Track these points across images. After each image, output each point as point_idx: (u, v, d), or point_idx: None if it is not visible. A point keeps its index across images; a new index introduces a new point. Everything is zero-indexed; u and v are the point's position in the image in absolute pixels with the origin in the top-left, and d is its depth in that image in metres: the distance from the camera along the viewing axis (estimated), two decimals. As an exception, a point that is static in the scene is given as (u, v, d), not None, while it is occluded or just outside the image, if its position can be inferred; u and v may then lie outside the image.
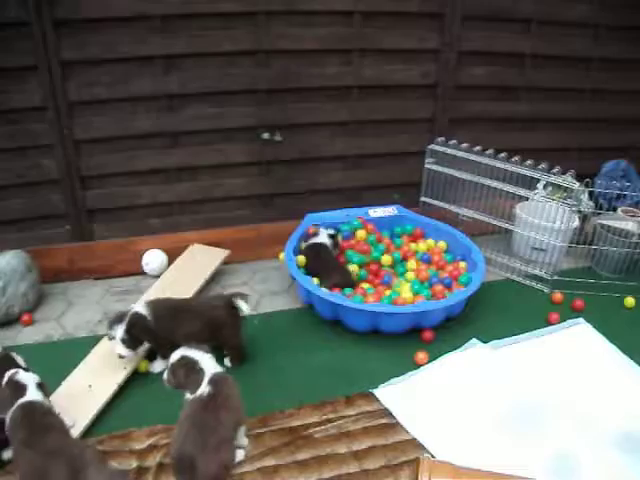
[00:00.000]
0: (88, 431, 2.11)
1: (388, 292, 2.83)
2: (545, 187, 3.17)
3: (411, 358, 2.51)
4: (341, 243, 3.14)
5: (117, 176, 3.12)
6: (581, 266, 3.33)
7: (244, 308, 2.40)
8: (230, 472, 1.92)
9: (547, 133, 3.74)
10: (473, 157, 3.18)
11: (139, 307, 2.37)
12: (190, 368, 1.95)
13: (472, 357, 2.52)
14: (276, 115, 3.20)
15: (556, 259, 3.10)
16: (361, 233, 3.22)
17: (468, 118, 3.54)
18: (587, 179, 2.95)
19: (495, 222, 3.27)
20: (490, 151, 3.15)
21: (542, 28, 3.41)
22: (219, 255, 3.16)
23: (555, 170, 2.98)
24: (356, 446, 2.06)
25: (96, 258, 3.17)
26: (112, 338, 2.34)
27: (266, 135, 3.23)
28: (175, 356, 1.98)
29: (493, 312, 2.89)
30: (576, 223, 3.24)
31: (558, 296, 2.98)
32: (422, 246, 3.23)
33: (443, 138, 3.31)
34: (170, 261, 3.14)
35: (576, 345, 2.63)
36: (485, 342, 2.62)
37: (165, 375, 1.99)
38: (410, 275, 2.98)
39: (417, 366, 2.48)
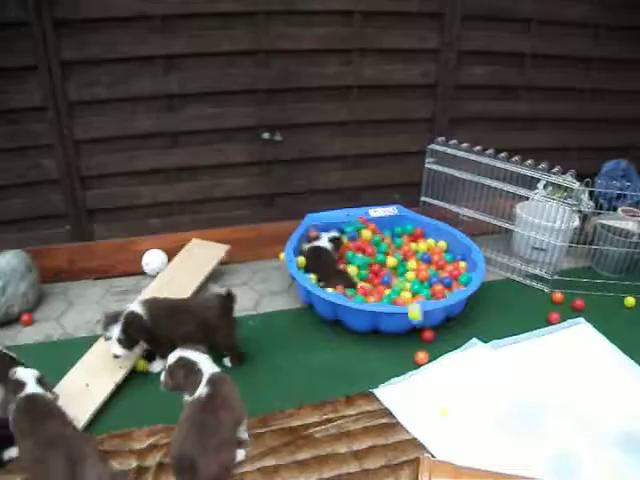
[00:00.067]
0: (87, 430, 2.10)
1: (388, 292, 2.83)
2: (545, 187, 3.17)
3: (411, 358, 2.51)
4: (347, 244, 3.14)
5: (117, 176, 3.12)
6: (581, 266, 3.33)
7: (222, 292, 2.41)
8: (231, 472, 1.92)
9: (547, 133, 3.74)
10: (473, 157, 3.18)
11: (135, 306, 2.36)
12: (189, 369, 1.95)
13: (472, 357, 2.52)
14: (276, 115, 3.20)
15: (556, 259, 3.10)
16: (366, 233, 3.22)
17: (468, 118, 3.54)
18: (587, 179, 2.95)
19: (495, 222, 3.27)
20: (490, 151, 3.15)
21: (542, 28, 3.41)
22: (218, 252, 3.15)
23: (555, 170, 2.98)
24: (356, 446, 2.06)
25: (96, 258, 3.17)
26: (108, 338, 2.33)
27: (266, 135, 3.23)
28: (172, 358, 1.98)
29: (493, 312, 2.89)
30: (576, 223, 3.23)
31: (558, 296, 2.98)
32: (422, 246, 3.23)
33: (443, 138, 3.31)
34: (170, 261, 3.14)
35: (576, 345, 2.63)
36: (485, 342, 2.62)
37: (162, 377, 1.98)
38: (410, 275, 2.98)
39: (417, 366, 2.48)
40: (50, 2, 2.65)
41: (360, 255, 3.11)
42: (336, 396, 2.29)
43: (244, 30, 2.97)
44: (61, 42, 2.74)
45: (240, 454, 1.98)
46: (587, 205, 3.41)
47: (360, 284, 2.88)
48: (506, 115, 3.63)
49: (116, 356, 2.32)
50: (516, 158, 3.09)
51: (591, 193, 3.37)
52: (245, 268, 3.30)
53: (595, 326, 2.74)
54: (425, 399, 2.28)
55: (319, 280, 2.85)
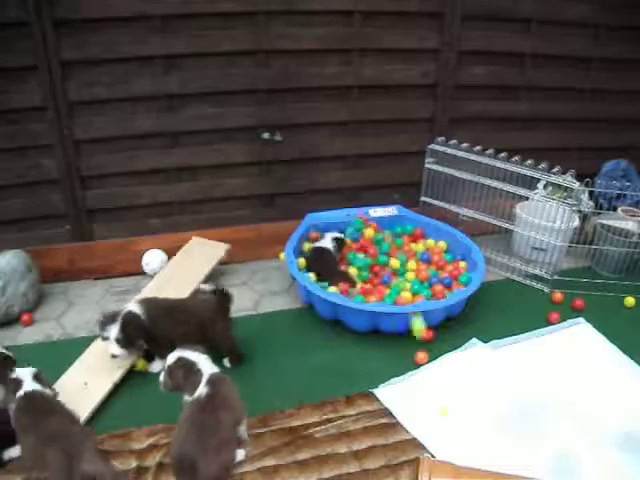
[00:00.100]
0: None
1: (387, 291, 2.82)
2: (545, 187, 3.17)
3: (411, 358, 2.51)
4: (349, 244, 3.13)
5: (117, 176, 3.12)
6: (581, 266, 3.33)
7: (207, 289, 2.40)
8: (231, 473, 1.92)
9: (547, 133, 3.74)
10: (473, 157, 3.18)
11: (132, 306, 2.36)
12: (188, 369, 1.95)
13: (472, 357, 2.52)
14: (276, 115, 3.20)
15: (556, 259, 3.10)
16: (369, 232, 3.22)
17: (468, 118, 3.54)
18: (587, 179, 2.95)
19: (495, 222, 3.27)
20: (490, 151, 3.15)
21: (542, 28, 3.41)
22: (218, 251, 3.14)
23: (555, 170, 2.98)
24: (356, 446, 2.06)
25: (96, 258, 3.17)
26: (105, 338, 2.33)
27: (266, 135, 3.23)
28: (171, 358, 1.98)
29: (493, 312, 2.89)
30: (576, 223, 3.23)
31: (558, 296, 2.98)
32: (422, 246, 3.23)
33: (443, 138, 3.31)
34: (170, 261, 3.14)
35: (576, 345, 2.63)
36: (485, 342, 2.62)
37: (161, 378, 1.98)
38: (410, 275, 2.98)
39: (417, 366, 2.48)
40: (50, 2, 2.65)
41: (362, 256, 3.10)
42: (336, 396, 2.29)
43: (244, 30, 2.97)
44: (61, 42, 2.74)
45: (240, 454, 1.98)
46: (587, 205, 3.41)
47: (360, 284, 2.88)
48: (506, 115, 3.63)
49: (114, 356, 2.32)
50: (516, 158, 3.09)
51: (591, 193, 3.37)
52: (245, 268, 3.30)
53: (595, 326, 2.74)
54: (425, 399, 2.28)
55: (320, 280, 2.85)
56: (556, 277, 3.08)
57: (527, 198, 3.11)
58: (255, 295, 3.04)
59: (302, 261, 2.96)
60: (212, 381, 1.93)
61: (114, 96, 2.93)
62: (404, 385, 2.36)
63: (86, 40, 2.79)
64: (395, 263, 3.05)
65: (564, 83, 3.63)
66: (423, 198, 3.47)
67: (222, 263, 3.16)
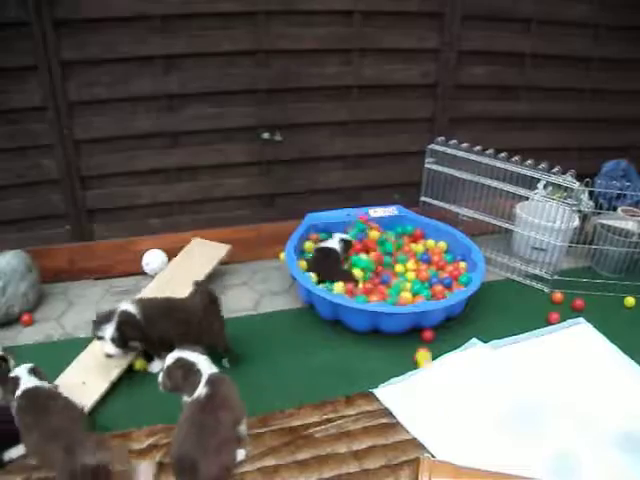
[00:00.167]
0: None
1: (388, 291, 2.82)
2: (545, 187, 3.17)
3: (411, 358, 2.51)
4: (354, 245, 3.13)
5: (117, 176, 3.12)
6: (581, 266, 3.33)
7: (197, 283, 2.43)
8: (231, 473, 1.92)
9: (547, 133, 3.74)
10: (473, 157, 3.18)
11: (128, 306, 2.36)
12: (187, 370, 1.94)
13: (472, 357, 2.52)
14: (276, 115, 3.20)
15: (556, 259, 3.10)
16: (374, 234, 3.22)
17: (468, 118, 3.54)
18: (587, 179, 2.95)
19: (495, 222, 3.27)
20: (490, 151, 3.15)
21: (542, 28, 3.41)
22: (219, 252, 3.14)
23: (555, 170, 2.98)
24: (356, 446, 2.06)
25: (96, 258, 3.17)
26: (100, 338, 2.32)
27: (266, 135, 3.23)
28: (171, 358, 1.98)
29: (493, 312, 2.89)
30: (576, 223, 3.23)
31: (558, 296, 2.98)
32: (422, 246, 3.23)
33: (443, 138, 3.31)
34: (170, 261, 3.13)
35: (576, 345, 2.63)
36: (485, 342, 2.62)
37: (160, 378, 1.98)
38: (410, 275, 2.98)
39: (417, 366, 2.48)
40: (50, 2, 2.65)
41: (364, 258, 3.07)
42: (336, 396, 2.29)
43: (244, 30, 2.97)
44: (61, 42, 2.74)
45: (240, 454, 1.98)
46: (587, 205, 3.41)
47: (361, 284, 2.88)
48: (506, 115, 3.63)
49: (109, 355, 2.31)
50: (516, 158, 3.09)
51: (591, 193, 3.37)
52: (245, 268, 3.30)
53: (595, 326, 2.74)
54: (425, 399, 2.28)
55: (321, 281, 2.85)
56: (556, 277, 3.08)
57: (527, 198, 3.11)
58: (255, 295, 3.04)
59: (303, 264, 2.95)
60: (211, 381, 1.92)
61: (114, 96, 2.93)
62: (404, 385, 2.36)
63: (86, 40, 2.78)
64: (399, 267, 3.05)
65: (564, 83, 3.63)
66: (423, 198, 3.47)
67: (222, 263, 3.16)
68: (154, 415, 2.16)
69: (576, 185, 2.91)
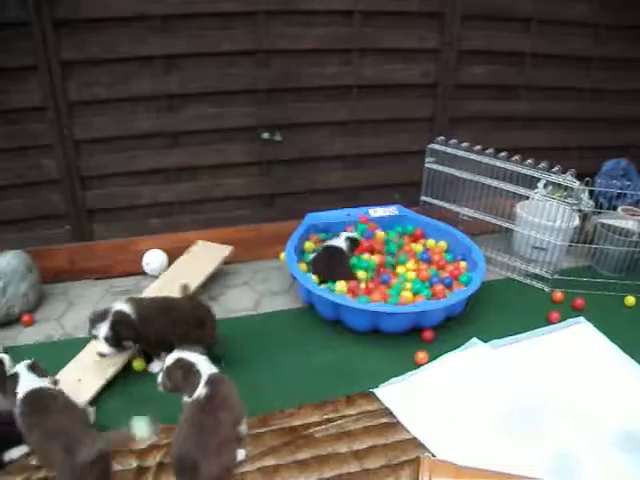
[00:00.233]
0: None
1: (388, 291, 2.82)
2: (545, 186, 3.17)
3: (411, 358, 2.51)
4: (362, 243, 3.12)
5: (117, 176, 3.12)
6: (581, 265, 3.33)
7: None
8: (232, 473, 1.92)
9: (547, 132, 3.74)
10: (473, 156, 3.18)
11: (122, 305, 2.35)
12: (187, 370, 1.94)
13: (472, 356, 2.52)
14: (276, 115, 3.20)
15: (556, 258, 3.10)
16: (380, 235, 3.22)
17: (468, 117, 3.54)
18: (587, 178, 2.95)
19: (495, 221, 3.27)
20: (490, 150, 3.15)
21: (542, 27, 3.41)
22: (221, 253, 3.14)
23: (555, 169, 2.98)
24: (357, 445, 2.06)
25: (96, 258, 3.17)
26: (95, 336, 2.32)
27: (266, 135, 3.23)
28: (170, 359, 1.98)
29: (493, 311, 2.89)
30: (576, 222, 3.23)
31: (558, 295, 2.98)
32: (422, 246, 3.23)
33: (443, 137, 3.31)
34: (170, 261, 3.14)
35: (577, 344, 2.63)
36: (485, 341, 2.62)
37: (159, 379, 1.98)
38: (410, 275, 2.98)
39: (417, 366, 2.48)
40: (50, 2, 2.65)
41: (366, 258, 3.07)
42: (336, 396, 2.29)
43: (244, 30, 2.97)
44: (61, 42, 2.74)
45: (240, 454, 1.98)
46: (587, 204, 3.40)
47: (363, 283, 2.88)
48: (506, 115, 3.63)
49: (102, 354, 2.31)
50: (516, 157, 3.09)
51: (591, 192, 3.36)
52: (245, 268, 3.30)
53: (595, 325, 2.74)
54: (425, 399, 2.28)
55: (323, 282, 2.85)
56: (556, 276, 3.08)
57: (527, 197, 3.11)
58: (255, 295, 3.04)
59: (303, 266, 2.95)
60: (211, 381, 1.92)
61: (114, 96, 2.93)
62: (404, 385, 2.36)
63: (86, 40, 2.78)
64: (401, 269, 3.04)
65: (564, 82, 3.63)
66: (423, 198, 3.47)
67: (223, 263, 3.16)
68: (154, 415, 2.15)
69: (576, 184, 2.91)
